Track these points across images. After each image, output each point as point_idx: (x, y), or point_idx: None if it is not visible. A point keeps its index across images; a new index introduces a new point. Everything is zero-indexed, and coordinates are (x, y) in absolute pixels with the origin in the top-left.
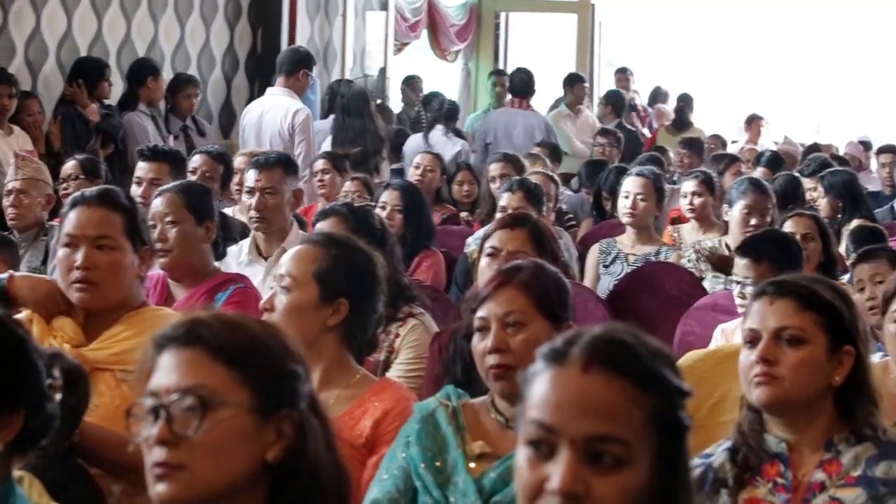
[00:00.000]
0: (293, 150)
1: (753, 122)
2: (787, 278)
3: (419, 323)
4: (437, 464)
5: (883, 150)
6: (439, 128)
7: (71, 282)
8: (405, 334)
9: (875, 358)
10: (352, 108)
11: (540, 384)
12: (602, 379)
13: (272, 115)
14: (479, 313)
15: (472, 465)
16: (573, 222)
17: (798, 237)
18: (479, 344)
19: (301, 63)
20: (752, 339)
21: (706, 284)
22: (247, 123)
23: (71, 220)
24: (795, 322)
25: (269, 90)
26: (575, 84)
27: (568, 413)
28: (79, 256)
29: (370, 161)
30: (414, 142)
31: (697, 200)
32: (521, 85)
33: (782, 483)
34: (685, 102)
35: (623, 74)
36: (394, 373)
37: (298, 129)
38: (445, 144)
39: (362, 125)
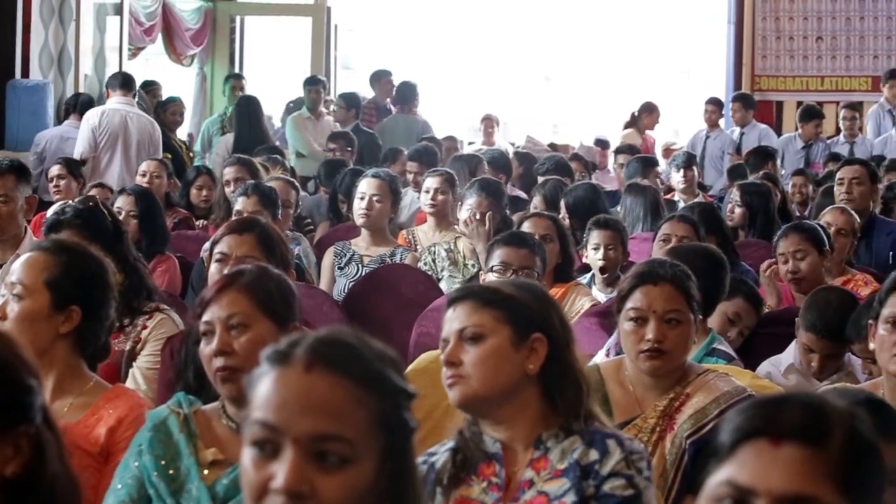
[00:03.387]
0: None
1: (487, 123)
2: (471, 284)
3: (167, 318)
4: (171, 472)
5: (621, 151)
6: None
7: None
8: (153, 326)
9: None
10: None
11: (264, 385)
12: (325, 379)
13: (141, 121)
14: (205, 317)
15: (206, 471)
16: (311, 225)
17: (536, 238)
18: (206, 348)
19: (133, 82)
20: (444, 349)
21: (443, 285)
22: (107, 124)
23: None
24: (473, 320)
25: (115, 99)
26: (313, 87)
27: (291, 412)
28: None
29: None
30: None
31: (440, 197)
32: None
33: (496, 482)
34: None
35: (387, 78)
36: (141, 363)
37: (156, 140)
38: None
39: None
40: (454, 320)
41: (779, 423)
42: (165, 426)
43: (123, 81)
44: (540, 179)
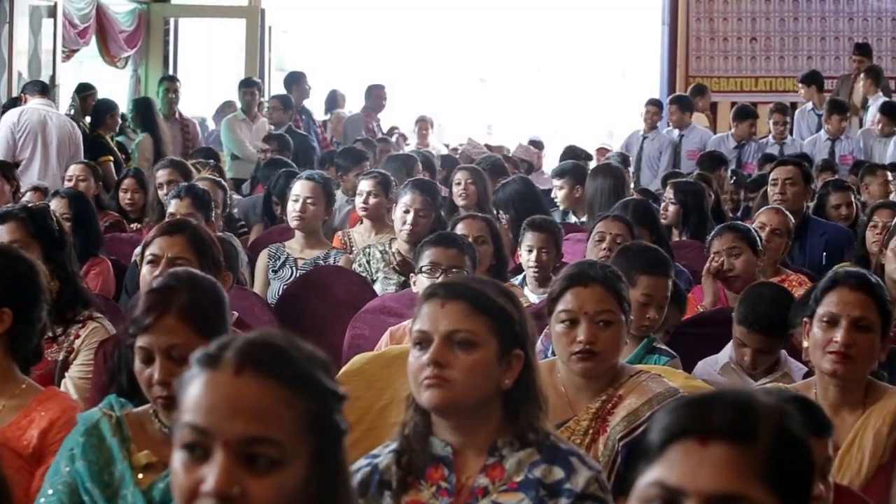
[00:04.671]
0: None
1: (422, 125)
2: (459, 280)
3: (100, 326)
4: (104, 477)
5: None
6: None
7: None
8: (85, 336)
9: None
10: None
11: (194, 388)
12: (255, 381)
13: (59, 120)
14: (141, 342)
15: (140, 475)
16: (245, 228)
17: (470, 239)
18: (145, 371)
19: (49, 89)
20: (422, 341)
21: (377, 287)
22: (27, 122)
23: None
24: (467, 325)
25: (36, 100)
26: (248, 89)
27: (221, 415)
28: None
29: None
30: None
31: (372, 200)
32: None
33: (446, 487)
34: None
35: (303, 81)
36: (73, 372)
37: (76, 139)
38: None
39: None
40: (442, 319)
41: (707, 422)
42: (98, 430)
43: (42, 87)
44: None
